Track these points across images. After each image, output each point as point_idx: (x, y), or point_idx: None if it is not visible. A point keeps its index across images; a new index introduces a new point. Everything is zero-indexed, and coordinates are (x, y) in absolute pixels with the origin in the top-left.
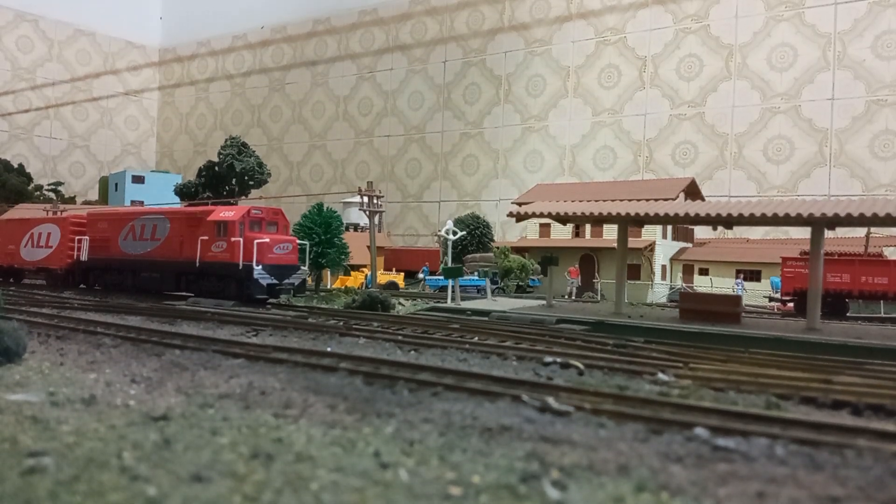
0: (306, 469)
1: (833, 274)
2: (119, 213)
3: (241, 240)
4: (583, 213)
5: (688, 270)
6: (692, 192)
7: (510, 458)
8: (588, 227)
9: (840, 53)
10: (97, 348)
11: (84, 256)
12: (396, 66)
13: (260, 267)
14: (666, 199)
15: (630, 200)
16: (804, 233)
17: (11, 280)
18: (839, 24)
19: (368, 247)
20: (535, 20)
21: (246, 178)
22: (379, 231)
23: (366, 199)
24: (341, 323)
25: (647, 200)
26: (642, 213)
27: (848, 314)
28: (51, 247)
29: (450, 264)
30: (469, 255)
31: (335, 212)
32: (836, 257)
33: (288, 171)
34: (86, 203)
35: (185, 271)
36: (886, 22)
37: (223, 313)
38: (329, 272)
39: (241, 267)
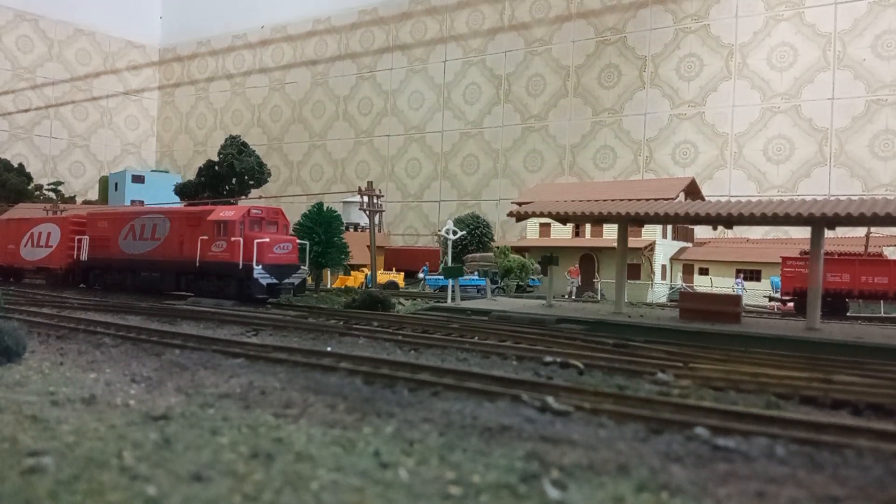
0: (306, 469)
1: (833, 274)
2: (119, 212)
3: (241, 239)
4: (583, 212)
5: (688, 270)
6: (692, 191)
7: (510, 457)
8: (588, 226)
9: (840, 53)
10: (97, 348)
11: (84, 256)
12: (396, 65)
13: (260, 267)
14: (666, 199)
15: (630, 200)
16: (804, 233)
17: (11, 280)
18: (839, 24)
19: (368, 246)
20: (535, 20)
21: (246, 177)
22: (379, 231)
23: (366, 199)
24: (341, 322)
25: (647, 200)
26: (642, 213)
27: (848, 314)
28: (51, 246)
29: (450, 264)
30: (469, 255)
31: (335, 211)
32: (836, 257)
33: (288, 171)
34: (86, 203)
35: (185, 271)
36: (886, 22)
37: (223, 313)
38: (329, 272)
39: (241, 267)
